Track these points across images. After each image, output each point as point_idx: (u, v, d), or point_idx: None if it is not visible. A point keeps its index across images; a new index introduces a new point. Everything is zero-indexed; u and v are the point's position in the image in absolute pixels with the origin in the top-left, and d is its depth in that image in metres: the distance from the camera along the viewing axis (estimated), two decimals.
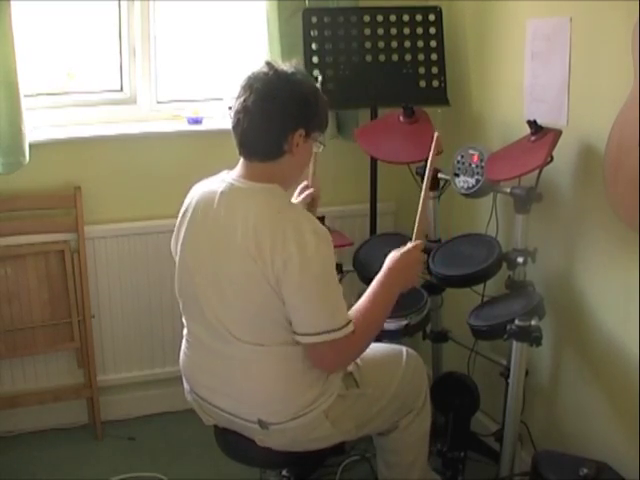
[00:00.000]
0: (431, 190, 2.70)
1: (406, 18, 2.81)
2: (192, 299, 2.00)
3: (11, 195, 2.78)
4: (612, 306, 2.25)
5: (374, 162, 2.94)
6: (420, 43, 2.81)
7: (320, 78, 2.71)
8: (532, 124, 2.28)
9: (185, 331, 2.11)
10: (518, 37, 2.51)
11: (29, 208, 2.82)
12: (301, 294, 1.85)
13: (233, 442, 2.10)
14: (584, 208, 2.32)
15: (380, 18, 2.80)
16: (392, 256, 2.11)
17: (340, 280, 2.33)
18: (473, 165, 2.44)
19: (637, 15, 1.87)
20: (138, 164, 2.93)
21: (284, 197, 1.95)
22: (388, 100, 2.82)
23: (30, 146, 2.68)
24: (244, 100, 1.90)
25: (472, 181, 2.44)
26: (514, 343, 2.28)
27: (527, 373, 2.37)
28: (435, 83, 2.82)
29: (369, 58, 2.81)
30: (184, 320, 2.10)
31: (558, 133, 2.24)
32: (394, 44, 2.81)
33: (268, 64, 1.92)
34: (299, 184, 2.31)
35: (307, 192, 2.32)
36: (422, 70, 2.81)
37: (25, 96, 2.64)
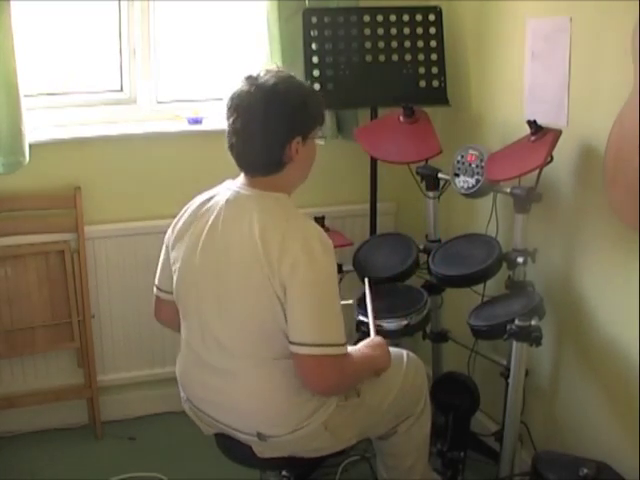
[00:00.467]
0: (431, 190, 2.71)
1: (406, 18, 2.81)
2: (194, 310, 1.97)
3: (11, 195, 2.78)
4: (612, 306, 2.25)
5: (374, 162, 2.94)
6: (420, 43, 2.81)
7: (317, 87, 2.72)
8: (532, 124, 2.28)
9: (182, 342, 2.08)
10: (518, 37, 2.51)
11: (29, 208, 2.82)
12: (304, 299, 1.82)
13: (233, 445, 2.10)
14: (584, 208, 2.32)
15: (380, 18, 2.80)
16: (379, 341, 2.11)
17: (340, 280, 2.33)
18: (473, 165, 2.44)
19: (637, 15, 1.87)
20: (138, 164, 2.93)
21: (290, 205, 1.93)
22: (388, 100, 2.82)
23: (30, 146, 2.68)
24: (232, 122, 1.88)
25: (472, 181, 2.44)
26: (514, 343, 2.27)
27: (527, 373, 2.37)
28: (435, 83, 2.82)
29: (369, 58, 2.81)
30: (182, 329, 2.07)
31: (558, 133, 2.23)
32: (394, 44, 2.81)
33: (248, 79, 1.88)
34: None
35: None
36: (422, 70, 2.81)
37: (25, 96, 2.64)
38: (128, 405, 3.10)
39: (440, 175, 2.65)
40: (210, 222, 1.93)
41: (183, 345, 2.08)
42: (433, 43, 2.81)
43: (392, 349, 2.24)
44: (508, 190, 2.37)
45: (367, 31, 2.80)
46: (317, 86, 2.78)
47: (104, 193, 2.91)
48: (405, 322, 2.36)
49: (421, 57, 2.81)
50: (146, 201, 2.97)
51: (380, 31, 2.80)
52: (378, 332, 2.20)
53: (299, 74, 2.80)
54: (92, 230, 2.89)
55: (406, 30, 2.81)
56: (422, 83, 2.82)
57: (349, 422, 2.02)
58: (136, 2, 2.92)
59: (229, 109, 1.89)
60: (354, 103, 2.92)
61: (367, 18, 2.80)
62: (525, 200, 2.32)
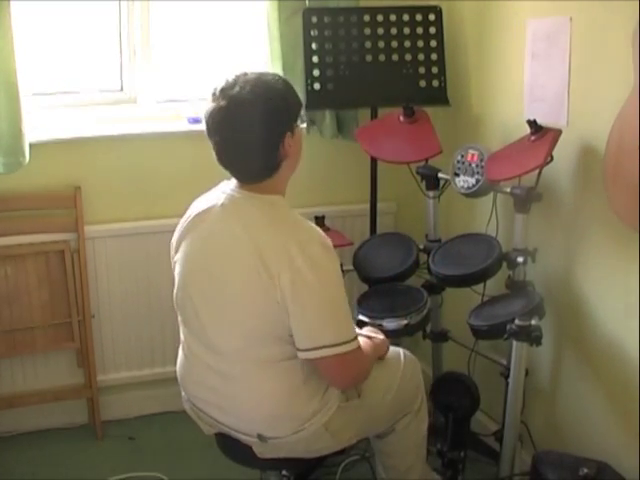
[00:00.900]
0: (431, 190, 2.71)
1: (406, 18, 2.81)
2: (193, 315, 1.97)
3: (11, 195, 2.78)
4: (612, 306, 2.25)
5: (374, 162, 2.94)
6: (420, 43, 2.81)
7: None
8: (532, 124, 2.28)
9: (182, 344, 2.08)
10: (518, 37, 2.51)
11: (29, 208, 2.82)
12: (315, 305, 1.82)
13: (233, 444, 2.10)
14: (584, 208, 2.32)
15: (380, 18, 2.80)
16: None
17: None
18: (473, 165, 2.44)
19: (637, 15, 1.87)
20: (138, 164, 2.93)
21: (286, 209, 1.91)
22: (388, 100, 2.82)
23: (30, 146, 2.68)
24: (217, 143, 1.84)
25: (472, 181, 2.44)
26: (514, 343, 2.28)
27: (527, 373, 2.37)
28: (435, 83, 2.82)
29: (369, 58, 2.81)
30: (182, 334, 2.07)
31: (558, 133, 2.24)
32: (394, 44, 2.81)
33: (221, 93, 1.82)
34: None
35: None
36: (422, 70, 2.82)
37: (25, 96, 2.64)
38: (128, 405, 3.10)
39: (440, 175, 2.66)
40: (207, 229, 1.93)
41: (183, 348, 2.08)
42: (433, 43, 2.81)
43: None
44: (508, 190, 2.37)
45: (367, 31, 2.80)
46: (317, 86, 2.79)
47: (104, 193, 2.91)
48: (405, 322, 2.36)
49: (421, 57, 2.81)
50: (146, 201, 2.97)
51: (380, 31, 2.80)
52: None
53: (299, 74, 2.81)
54: (92, 230, 2.89)
55: (406, 30, 2.81)
56: (422, 83, 2.82)
57: (350, 423, 2.03)
58: (136, 2, 2.92)
59: (210, 129, 1.84)
60: (354, 103, 2.92)
61: (367, 18, 2.80)
62: (525, 200, 2.32)
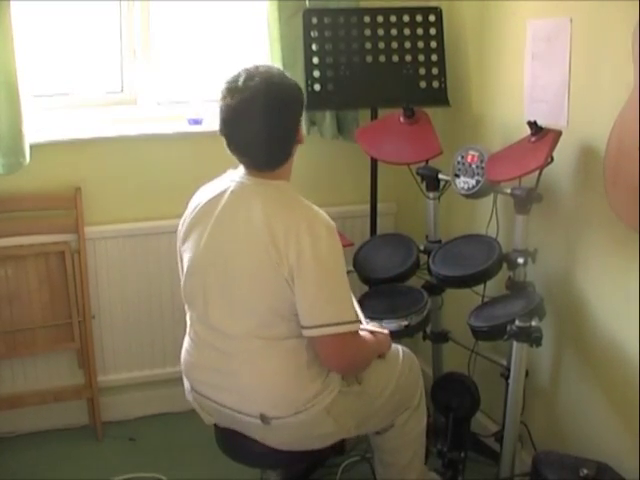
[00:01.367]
0: (432, 191, 2.71)
1: (406, 19, 2.81)
2: (201, 300, 2.01)
3: (11, 196, 2.78)
4: (612, 307, 2.25)
5: (374, 163, 2.94)
6: (420, 44, 2.81)
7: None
8: (532, 125, 2.28)
9: (188, 329, 2.12)
10: (518, 38, 2.51)
11: (29, 209, 2.82)
12: (316, 282, 1.88)
13: (233, 442, 2.11)
14: (584, 209, 2.32)
15: (380, 19, 2.80)
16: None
17: None
18: (473, 166, 2.44)
19: (637, 16, 1.87)
20: (138, 165, 2.93)
21: (292, 192, 1.99)
22: (388, 101, 2.82)
23: (30, 147, 2.68)
24: (236, 134, 1.92)
25: (472, 182, 2.44)
26: (514, 344, 2.28)
27: (527, 374, 2.37)
28: (435, 84, 2.82)
29: (369, 59, 2.81)
30: (188, 319, 2.11)
31: (558, 134, 2.24)
32: (394, 45, 2.81)
33: (243, 84, 1.88)
34: None
35: None
36: (422, 71, 2.82)
37: (25, 97, 2.64)
38: (128, 406, 3.10)
39: (440, 176, 2.66)
40: (216, 214, 1.98)
41: (189, 334, 2.11)
42: (433, 44, 2.82)
43: None
44: (508, 191, 2.37)
45: (367, 32, 2.80)
46: (317, 87, 2.79)
47: (104, 194, 2.91)
48: (405, 323, 2.36)
49: (421, 58, 2.81)
50: (146, 202, 2.97)
51: (380, 32, 2.81)
52: None
53: (299, 75, 2.80)
54: (92, 231, 2.89)
55: (406, 31, 2.81)
56: (422, 84, 2.82)
57: (350, 409, 2.05)
58: (136, 2, 2.92)
59: (230, 121, 1.91)
60: (354, 104, 2.92)
61: (367, 19, 2.80)
62: (525, 201, 2.32)
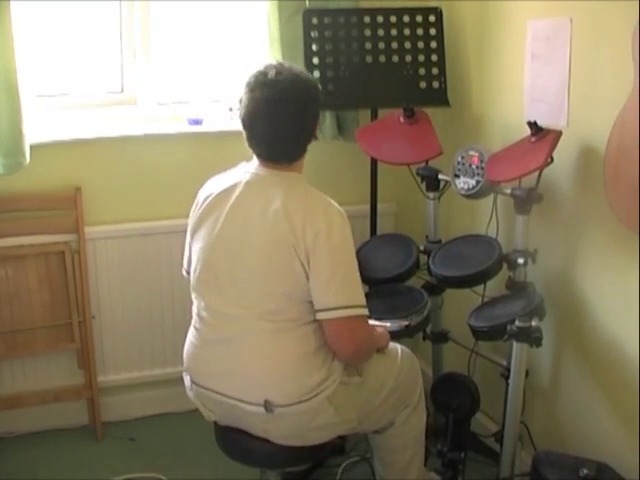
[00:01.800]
0: (432, 191, 2.71)
1: (406, 19, 2.81)
2: (212, 287, 2.04)
3: (11, 196, 2.78)
4: (612, 307, 2.25)
5: (374, 163, 2.94)
6: (420, 44, 2.81)
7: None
8: (532, 125, 2.28)
9: (193, 320, 2.13)
10: (518, 38, 2.51)
11: (30, 209, 2.82)
12: (329, 265, 1.93)
13: (233, 441, 2.11)
14: (584, 209, 2.33)
15: (380, 19, 2.80)
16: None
17: None
18: (473, 166, 2.44)
19: (637, 16, 1.87)
20: (138, 165, 2.93)
21: (306, 183, 2.05)
22: (388, 101, 2.82)
23: (30, 147, 2.68)
24: (261, 127, 1.97)
25: (472, 182, 2.44)
26: (514, 344, 2.28)
27: (527, 374, 2.37)
28: (435, 84, 2.82)
29: (369, 59, 2.81)
30: (195, 308, 2.12)
31: (558, 134, 2.24)
32: (394, 45, 2.81)
33: (272, 78, 1.95)
34: None
35: None
36: (422, 71, 2.82)
37: (25, 97, 2.64)
38: (128, 406, 3.10)
39: (440, 176, 2.66)
40: (231, 204, 2.02)
41: (194, 323, 2.13)
42: (433, 44, 2.82)
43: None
44: (508, 191, 2.37)
45: (367, 32, 2.80)
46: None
47: (104, 194, 2.91)
48: (405, 323, 2.36)
49: (421, 58, 2.81)
50: (146, 202, 2.97)
51: (380, 32, 2.81)
52: None
53: None
54: (92, 231, 2.89)
55: (406, 31, 2.81)
56: (422, 84, 2.82)
57: (351, 400, 2.07)
58: (136, 2, 2.92)
59: (256, 114, 1.96)
60: (354, 104, 2.92)
61: (367, 19, 2.80)
62: (525, 201, 2.32)
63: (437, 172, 2.67)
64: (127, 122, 2.98)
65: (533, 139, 2.29)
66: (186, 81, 3.13)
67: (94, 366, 2.96)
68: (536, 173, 2.28)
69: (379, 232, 3.02)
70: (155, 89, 3.04)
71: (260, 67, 2.00)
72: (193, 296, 2.12)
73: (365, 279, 2.61)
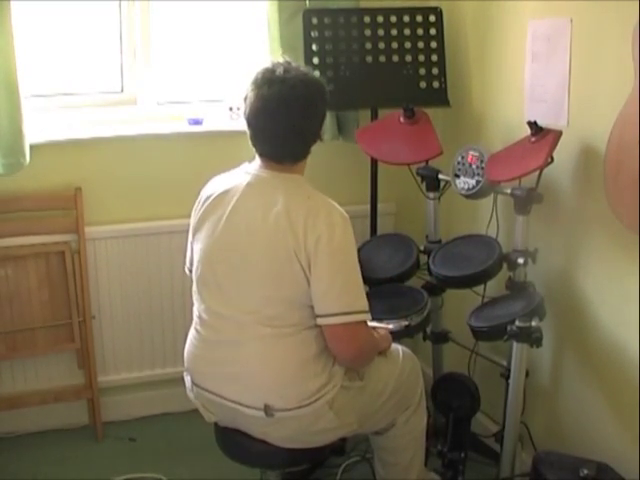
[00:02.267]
0: (432, 191, 2.71)
1: (406, 19, 2.81)
2: (213, 289, 2.03)
3: (12, 196, 2.77)
4: (612, 307, 2.25)
5: (374, 163, 2.94)
6: (420, 44, 2.81)
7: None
8: (532, 125, 2.28)
9: (194, 322, 2.12)
10: (519, 38, 2.51)
11: (30, 209, 2.82)
12: (329, 272, 1.91)
13: (233, 442, 2.10)
14: (585, 209, 2.32)
15: (380, 19, 2.80)
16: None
17: None
18: (473, 166, 2.44)
19: (637, 16, 1.87)
20: (139, 165, 2.93)
21: (308, 185, 2.02)
22: (388, 101, 2.82)
23: (31, 147, 2.68)
24: (266, 126, 1.95)
25: (472, 182, 2.44)
26: (514, 344, 2.28)
27: (527, 374, 2.37)
28: (435, 84, 2.82)
29: (369, 59, 2.81)
30: (196, 310, 2.11)
31: (558, 134, 2.24)
32: (394, 45, 2.81)
33: (267, 82, 1.93)
34: None
35: None
36: (422, 71, 2.82)
37: (25, 97, 2.64)
38: (128, 406, 3.10)
39: (440, 176, 2.66)
40: (232, 205, 1.99)
41: (195, 324, 2.12)
42: (433, 44, 2.82)
43: None
44: (508, 191, 2.37)
45: (367, 32, 2.80)
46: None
47: (105, 194, 2.91)
48: (405, 323, 2.36)
49: (421, 58, 2.81)
50: (146, 202, 2.97)
51: (380, 32, 2.81)
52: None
53: None
54: (92, 231, 2.89)
55: (406, 31, 2.81)
56: (422, 84, 2.82)
57: (352, 404, 2.06)
58: (136, 2, 2.92)
59: (263, 110, 1.93)
60: (354, 104, 2.92)
61: (367, 19, 2.80)
62: (525, 201, 2.32)
63: (437, 172, 2.67)
64: (127, 122, 2.98)
65: (533, 139, 2.29)
66: (186, 81, 3.13)
67: (94, 366, 2.96)
68: (536, 173, 2.28)
69: (379, 232, 3.02)
70: (155, 89, 3.04)
71: (267, 64, 1.98)
72: (194, 297, 2.12)
73: (365, 279, 2.59)
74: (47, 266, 2.86)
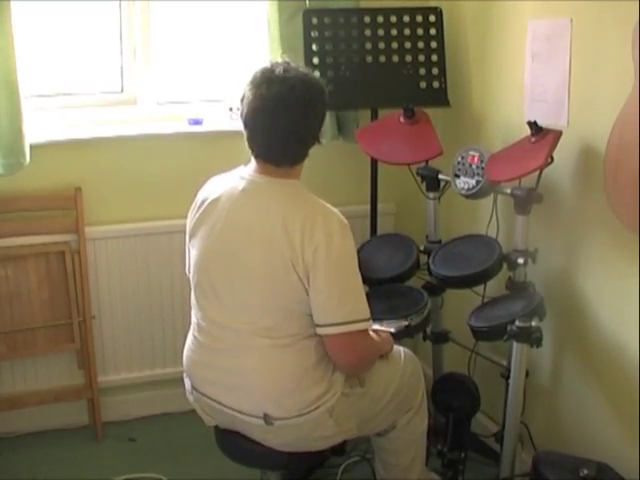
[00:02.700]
0: (432, 191, 2.71)
1: (406, 19, 2.81)
2: (210, 298, 2.01)
3: (12, 196, 2.78)
4: (612, 307, 2.25)
5: (374, 163, 2.94)
6: (420, 44, 2.81)
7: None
8: (532, 125, 2.28)
9: (193, 326, 2.11)
10: (519, 38, 2.51)
11: (30, 209, 2.82)
12: (328, 282, 1.87)
13: (233, 442, 2.10)
14: (584, 209, 2.32)
15: (380, 19, 2.80)
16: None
17: None
18: (473, 166, 2.44)
19: (637, 16, 1.87)
20: (139, 165, 2.93)
21: (304, 190, 1.98)
22: (388, 101, 2.82)
23: (31, 147, 2.68)
24: (264, 127, 1.90)
25: (472, 182, 2.44)
26: (514, 344, 2.28)
27: (527, 374, 2.37)
28: (435, 84, 2.82)
29: (369, 59, 2.81)
30: (193, 316, 2.10)
31: (558, 134, 2.24)
32: (394, 45, 2.81)
33: (266, 81, 1.89)
34: None
35: None
36: (422, 71, 2.82)
37: (25, 97, 2.64)
38: (128, 406, 3.10)
39: (440, 176, 2.66)
40: (226, 213, 1.96)
41: (193, 330, 2.10)
42: (433, 44, 2.82)
43: None
44: (508, 191, 2.37)
45: (367, 32, 2.80)
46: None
47: (105, 194, 2.91)
48: (406, 323, 2.36)
49: (421, 58, 2.81)
50: (146, 202, 2.97)
51: (380, 32, 2.80)
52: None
53: None
54: (92, 231, 2.89)
55: (406, 31, 2.81)
56: (422, 84, 2.82)
57: (353, 411, 2.05)
58: (136, 2, 2.92)
59: (261, 110, 1.88)
60: (354, 104, 2.92)
61: (367, 19, 2.80)
62: (526, 201, 2.32)
63: (437, 172, 2.67)
64: (127, 122, 2.98)
65: (533, 139, 2.29)
66: (186, 81, 3.13)
67: (94, 366, 2.96)
68: (536, 173, 2.28)
69: (379, 232, 3.02)
70: (155, 89, 3.04)
71: (266, 64, 1.93)
72: (192, 303, 2.10)
73: (365, 279, 2.60)
74: (47, 266, 2.86)
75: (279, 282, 1.89)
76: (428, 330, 2.71)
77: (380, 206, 3.04)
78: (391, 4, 2.85)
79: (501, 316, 2.28)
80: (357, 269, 1.95)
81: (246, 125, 1.94)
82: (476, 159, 2.44)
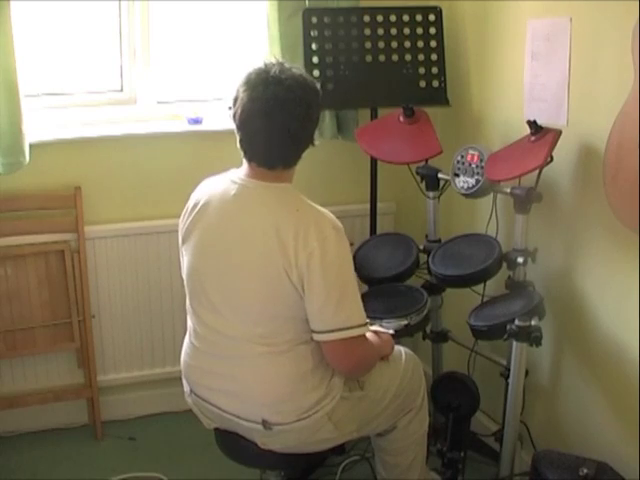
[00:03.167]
0: (431, 190, 2.71)
1: (406, 18, 2.81)
2: (204, 304, 1.99)
3: (11, 195, 2.77)
4: (612, 306, 2.25)
5: (374, 162, 2.94)
6: (420, 43, 2.81)
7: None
8: (532, 124, 2.28)
9: (189, 331, 2.09)
10: (518, 37, 2.51)
11: (29, 208, 2.82)
12: (323, 288, 1.85)
13: (233, 443, 2.10)
14: (584, 208, 2.33)
15: (380, 18, 2.80)
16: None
17: None
18: (473, 165, 2.44)
19: (637, 15, 1.87)
20: (138, 164, 2.93)
21: (297, 194, 1.95)
22: (388, 100, 2.82)
23: (30, 146, 2.68)
24: (258, 129, 1.88)
25: (472, 181, 2.44)
26: (514, 343, 2.28)
27: (527, 373, 2.37)
28: (435, 83, 2.82)
29: (369, 58, 2.81)
30: (189, 321, 2.09)
31: (558, 133, 2.24)
32: (394, 44, 2.81)
33: (262, 82, 1.86)
34: None
35: None
36: (422, 70, 2.82)
37: (25, 96, 2.64)
38: (128, 405, 3.10)
39: (440, 175, 2.66)
40: (218, 218, 1.95)
41: (190, 336, 2.09)
42: (433, 43, 2.81)
43: None
44: (508, 190, 2.37)
45: (367, 31, 2.80)
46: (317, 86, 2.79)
47: (104, 193, 2.91)
48: (405, 322, 2.36)
49: (421, 57, 2.81)
50: (146, 201, 2.97)
51: (380, 31, 2.80)
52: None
53: None
54: (92, 230, 2.89)
55: (406, 30, 2.81)
56: (422, 83, 2.82)
57: (352, 414, 2.04)
58: (136, 2, 2.92)
59: (256, 112, 1.86)
60: (354, 103, 2.92)
61: (367, 18, 2.80)
62: (525, 200, 2.32)
63: (437, 171, 2.67)
64: (127, 121, 2.98)
65: (533, 138, 2.29)
66: (186, 80, 3.12)
67: (94, 365, 2.96)
68: (536, 172, 2.28)
69: (379, 231, 3.02)
70: (155, 88, 3.04)
71: (259, 64, 1.91)
72: (187, 308, 2.08)
73: (365, 278, 2.62)
74: (47, 265, 2.86)
75: (272, 290, 1.87)
76: (428, 329, 2.71)
77: (380, 205, 3.04)
78: (391, 3, 2.85)
79: (501, 315, 2.28)
80: (352, 273, 1.94)
81: (239, 127, 1.91)
82: (476, 158, 2.44)
